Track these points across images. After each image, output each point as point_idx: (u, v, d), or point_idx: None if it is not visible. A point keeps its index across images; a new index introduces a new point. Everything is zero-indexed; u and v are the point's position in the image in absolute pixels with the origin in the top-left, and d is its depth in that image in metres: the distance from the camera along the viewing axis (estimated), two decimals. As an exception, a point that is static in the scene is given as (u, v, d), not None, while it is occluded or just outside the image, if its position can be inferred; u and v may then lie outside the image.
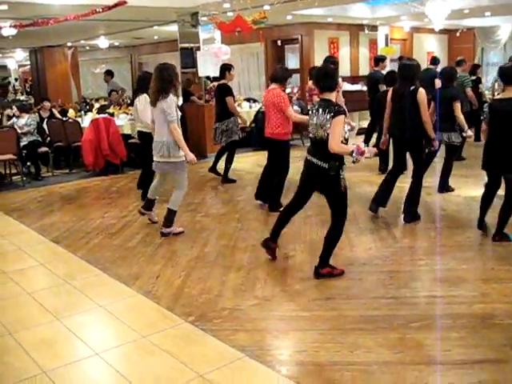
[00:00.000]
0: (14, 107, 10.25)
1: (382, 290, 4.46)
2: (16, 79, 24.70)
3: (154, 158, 6.04)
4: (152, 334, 3.82)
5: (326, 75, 4.62)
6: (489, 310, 4.01)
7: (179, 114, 5.98)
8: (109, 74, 13.91)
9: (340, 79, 5.33)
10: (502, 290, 4.36)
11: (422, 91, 5.90)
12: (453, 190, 7.56)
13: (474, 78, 11.05)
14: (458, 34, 16.63)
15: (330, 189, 4.61)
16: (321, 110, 4.49)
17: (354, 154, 4.26)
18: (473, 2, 12.05)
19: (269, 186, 6.98)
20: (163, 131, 5.83)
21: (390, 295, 4.34)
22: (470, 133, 7.17)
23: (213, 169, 9.07)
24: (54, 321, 4.11)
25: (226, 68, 8.70)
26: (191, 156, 5.91)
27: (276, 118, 6.55)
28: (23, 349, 3.70)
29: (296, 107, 11.92)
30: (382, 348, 3.53)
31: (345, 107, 4.89)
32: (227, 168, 8.77)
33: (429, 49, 17.56)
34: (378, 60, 10.43)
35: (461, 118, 6.99)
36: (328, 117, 4.41)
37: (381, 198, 6.46)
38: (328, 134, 4.40)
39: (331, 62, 7.01)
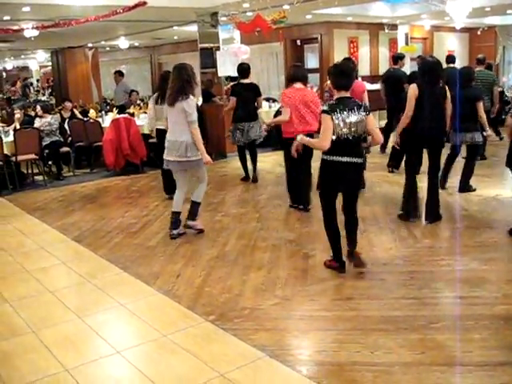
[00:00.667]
0: (37, 107, 10.33)
1: (403, 290, 4.44)
2: (38, 80, 24.97)
3: (169, 158, 6.01)
4: (173, 332, 3.84)
5: (341, 73, 4.63)
6: (511, 312, 3.97)
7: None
8: (120, 74, 13.79)
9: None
10: (525, 291, 4.31)
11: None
12: (474, 189, 7.47)
13: None
14: (479, 33, 16.47)
15: (359, 183, 4.79)
16: (355, 108, 4.54)
17: None
18: (494, 0, 11.92)
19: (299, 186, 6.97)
20: (182, 131, 5.83)
21: (411, 296, 4.31)
22: (490, 132, 7.14)
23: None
24: (76, 319, 4.15)
25: (249, 67, 8.69)
26: (207, 158, 5.91)
27: (311, 115, 6.59)
28: (46, 347, 3.74)
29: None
30: (402, 349, 3.51)
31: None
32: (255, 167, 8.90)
33: (450, 48, 17.40)
34: (397, 58, 10.33)
35: (484, 117, 7.00)
36: (363, 114, 4.54)
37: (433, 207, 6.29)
38: (364, 131, 4.61)
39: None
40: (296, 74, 6.76)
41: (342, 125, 4.49)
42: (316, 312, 4.12)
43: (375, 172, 8.66)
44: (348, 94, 4.60)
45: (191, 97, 5.82)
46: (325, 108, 4.58)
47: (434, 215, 6.20)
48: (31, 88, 22.89)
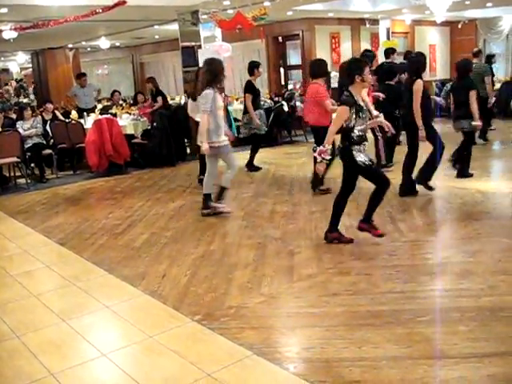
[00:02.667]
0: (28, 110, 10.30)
1: (389, 284, 4.44)
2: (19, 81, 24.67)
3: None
4: (159, 333, 3.81)
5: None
6: (497, 303, 3.98)
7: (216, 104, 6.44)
8: (84, 75, 13.48)
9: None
10: (510, 282, 4.33)
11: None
12: (471, 175, 7.83)
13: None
14: (459, 26, 16.57)
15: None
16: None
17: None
18: (474, -7, 12.00)
19: None
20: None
21: (398, 290, 4.31)
22: (478, 122, 7.32)
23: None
24: (61, 323, 4.10)
25: (254, 65, 8.93)
26: (205, 146, 6.37)
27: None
28: (30, 351, 3.69)
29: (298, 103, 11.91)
30: (389, 343, 3.51)
31: None
32: (252, 157, 9.35)
33: (431, 41, 17.51)
34: (388, 51, 10.31)
35: (474, 106, 7.35)
36: None
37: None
38: None
39: (366, 55, 7.98)
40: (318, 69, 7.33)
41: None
42: (302, 309, 4.11)
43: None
44: None
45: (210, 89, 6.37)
46: None
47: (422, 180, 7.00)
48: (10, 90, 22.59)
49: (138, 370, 3.40)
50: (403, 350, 3.42)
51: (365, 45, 15.36)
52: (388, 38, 15.34)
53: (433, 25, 16.69)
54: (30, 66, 19.38)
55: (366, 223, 5.41)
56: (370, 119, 5.32)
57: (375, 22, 15.11)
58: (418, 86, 6.60)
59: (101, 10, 8.77)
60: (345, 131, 5.07)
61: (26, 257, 5.73)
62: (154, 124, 10.33)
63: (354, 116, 4.98)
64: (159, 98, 10.97)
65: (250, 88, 9.15)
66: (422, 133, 6.61)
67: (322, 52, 14.37)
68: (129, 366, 3.46)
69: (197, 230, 6.23)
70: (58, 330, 4.01)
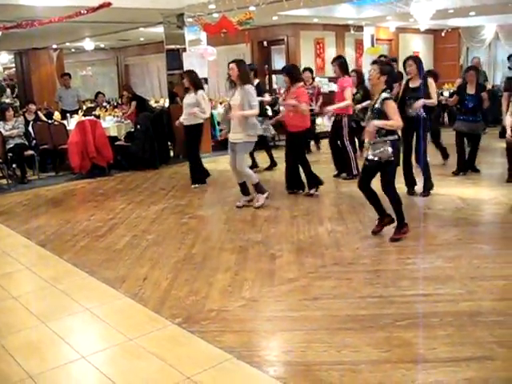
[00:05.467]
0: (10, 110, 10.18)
1: (370, 289, 4.47)
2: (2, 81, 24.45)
3: None
4: (139, 336, 3.80)
5: None
6: (475, 308, 4.03)
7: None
8: (70, 76, 13.49)
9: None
10: (488, 288, 4.38)
11: None
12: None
13: None
14: (443, 34, 16.76)
15: None
16: None
17: None
18: (458, 2, 12.14)
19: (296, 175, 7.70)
20: None
21: (377, 294, 4.35)
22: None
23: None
24: (40, 324, 4.08)
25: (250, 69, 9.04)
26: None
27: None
28: (9, 354, 3.66)
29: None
30: (369, 347, 3.54)
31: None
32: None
33: (414, 49, 17.65)
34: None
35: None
36: None
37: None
38: None
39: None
40: None
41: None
42: (283, 312, 4.13)
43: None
44: None
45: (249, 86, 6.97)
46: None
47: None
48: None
49: (118, 373, 3.38)
50: (382, 354, 3.45)
51: (349, 51, 15.50)
52: (372, 45, 15.46)
53: (417, 32, 16.86)
54: (13, 65, 19.20)
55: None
56: None
57: (360, 28, 15.22)
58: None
59: (86, 12, 8.73)
60: None
61: (5, 258, 5.68)
62: (138, 126, 10.29)
63: None
64: (133, 103, 10.85)
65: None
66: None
67: (306, 57, 14.45)
68: (108, 369, 3.45)
69: (178, 233, 6.23)
70: (38, 332, 3.98)
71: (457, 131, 8.44)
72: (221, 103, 13.00)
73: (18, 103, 16.93)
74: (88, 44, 16.10)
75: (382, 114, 5.33)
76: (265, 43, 15.21)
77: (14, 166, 9.93)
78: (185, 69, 11.06)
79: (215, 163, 10.29)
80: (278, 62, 15.58)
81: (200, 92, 8.20)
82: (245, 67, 7.04)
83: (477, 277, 4.61)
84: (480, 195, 7.32)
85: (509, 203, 6.82)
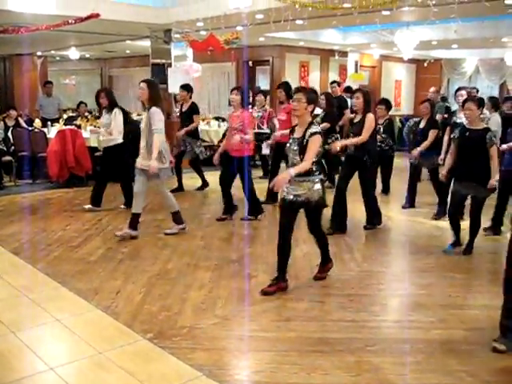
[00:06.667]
0: None
1: (342, 312, 4.50)
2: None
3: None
4: (109, 350, 3.77)
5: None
6: (446, 336, 4.07)
7: None
8: (52, 84, 13.55)
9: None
10: (460, 317, 4.43)
11: None
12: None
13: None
14: (425, 64, 17.03)
15: None
16: None
17: None
18: (441, 34, 12.38)
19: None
20: None
21: (349, 318, 4.37)
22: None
23: None
24: (9, 334, 4.02)
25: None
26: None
27: None
28: (-25, 361, 3.61)
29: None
30: (339, 370, 3.55)
31: None
32: None
33: (397, 77, 17.95)
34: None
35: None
36: None
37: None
38: None
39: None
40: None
41: None
42: (255, 332, 4.13)
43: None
44: None
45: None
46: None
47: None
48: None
49: (85, 386, 3.35)
50: (352, 378, 3.47)
51: (333, 75, 15.66)
52: (356, 71, 15.67)
53: (400, 61, 17.13)
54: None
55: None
56: None
57: (344, 54, 15.43)
58: None
59: (73, 21, 8.74)
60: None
61: (-23, 264, 5.61)
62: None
63: None
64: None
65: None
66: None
67: (290, 79, 14.53)
68: (76, 381, 3.42)
69: (154, 248, 6.20)
70: (6, 341, 3.92)
71: (410, 164, 8.27)
72: (203, 120, 13.02)
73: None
74: (73, 53, 16.06)
75: (304, 149, 4.70)
76: (250, 63, 15.32)
77: (-10, 171, 9.83)
78: (169, 84, 11.15)
79: (193, 179, 10.27)
80: (263, 82, 15.70)
81: (114, 110, 7.71)
82: (156, 88, 6.51)
83: (449, 305, 4.68)
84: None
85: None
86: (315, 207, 4.85)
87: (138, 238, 6.51)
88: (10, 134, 10.36)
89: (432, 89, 12.07)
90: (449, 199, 6.64)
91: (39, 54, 16.92)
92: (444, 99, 12.53)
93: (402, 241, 6.70)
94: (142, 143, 6.41)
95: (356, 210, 7.22)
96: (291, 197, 4.77)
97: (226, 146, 7.36)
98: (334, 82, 11.64)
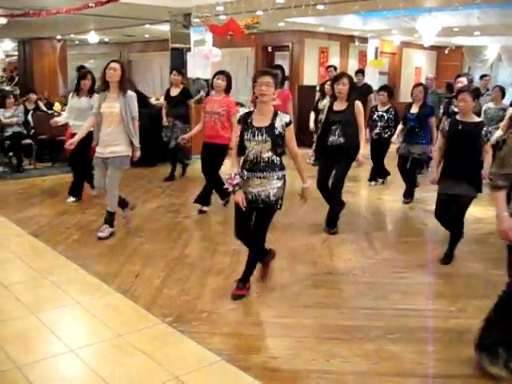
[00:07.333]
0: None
1: (360, 300, 4.49)
2: (4, 70, 24.37)
3: None
4: (128, 333, 3.80)
5: None
6: (465, 326, 4.04)
7: None
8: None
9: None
10: (479, 306, 4.37)
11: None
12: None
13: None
14: (446, 52, 16.79)
15: None
16: None
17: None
18: (463, 21, 12.18)
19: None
20: None
21: (368, 306, 4.36)
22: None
23: None
24: (30, 315, 4.06)
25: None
26: None
27: None
28: (-3, 342, 3.66)
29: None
30: (357, 358, 3.55)
31: None
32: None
33: (417, 64, 17.73)
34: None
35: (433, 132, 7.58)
36: None
37: None
38: None
39: None
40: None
41: None
42: (273, 318, 4.13)
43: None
44: None
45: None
46: None
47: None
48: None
49: (105, 368, 3.37)
50: (371, 366, 3.46)
51: (353, 62, 15.53)
52: (376, 57, 15.49)
53: (420, 48, 16.89)
54: (16, 53, 19.15)
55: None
56: None
57: (364, 40, 15.25)
58: None
59: (94, 5, 8.72)
60: None
61: (-2, 246, 5.66)
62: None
63: None
64: None
65: None
66: None
67: (309, 65, 14.48)
68: (96, 364, 3.44)
69: (173, 233, 6.22)
70: (27, 322, 3.97)
71: (399, 155, 7.88)
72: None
73: (18, 91, 16.89)
74: (92, 37, 16.05)
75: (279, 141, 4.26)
76: (269, 48, 15.22)
77: (10, 154, 9.90)
78: (188, 69, 11.10)
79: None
80: (282, 68, 15.61)
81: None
82: (126, 70, 6.20)
83: (468, 294, 4.64)
84: (474, 214, 7.30)
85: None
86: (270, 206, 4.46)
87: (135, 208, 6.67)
88: (29, 117, 10.42)
89: (429, 75, 11.87)
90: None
91: (59, 37, 16.96)
92: (449, 86, 11.94)
93: (422, 229, 6.65)
94: (107, 129, 5.87)
95: (371, 197, 7.17)
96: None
97: (205, 133, 6.93)
98: (358, 71, 11.61)
